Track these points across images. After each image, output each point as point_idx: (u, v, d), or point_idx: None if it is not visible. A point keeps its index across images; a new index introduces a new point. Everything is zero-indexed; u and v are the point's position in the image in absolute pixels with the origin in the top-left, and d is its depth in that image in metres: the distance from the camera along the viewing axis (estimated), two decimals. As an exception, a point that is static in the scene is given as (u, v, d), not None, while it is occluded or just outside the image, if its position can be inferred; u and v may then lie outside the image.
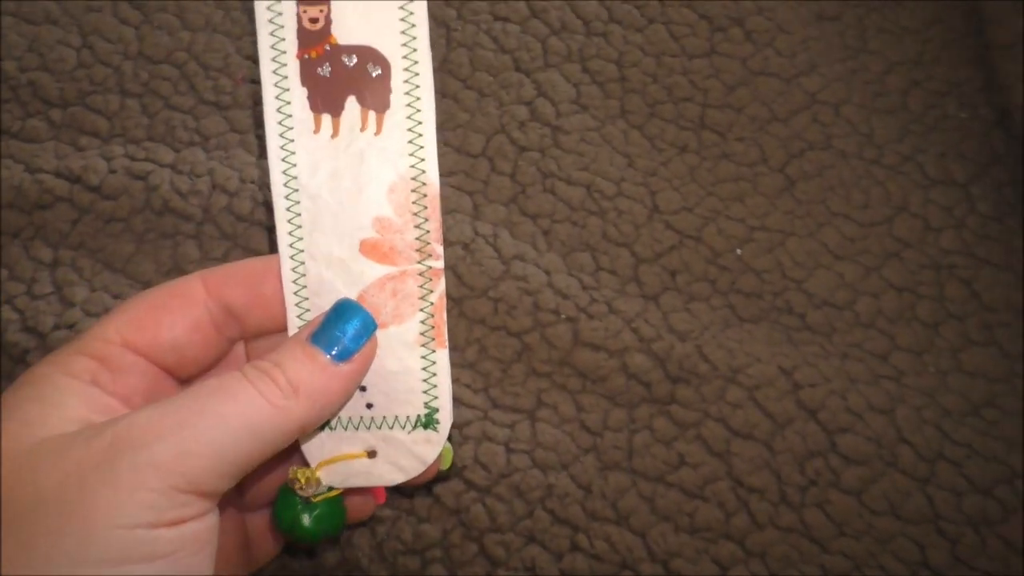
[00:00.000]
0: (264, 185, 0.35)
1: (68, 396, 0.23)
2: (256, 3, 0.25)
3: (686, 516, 0.32)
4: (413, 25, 0.25)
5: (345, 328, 0.24)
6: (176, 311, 0.25)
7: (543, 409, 0.33)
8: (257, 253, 0.34)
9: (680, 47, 0.39)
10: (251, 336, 0.27)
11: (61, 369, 0.24)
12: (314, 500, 0.26)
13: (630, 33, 0.39)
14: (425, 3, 0.25)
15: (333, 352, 0.24)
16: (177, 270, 0.34)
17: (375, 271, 0.25)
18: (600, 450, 0.33)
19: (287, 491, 0.26)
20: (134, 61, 0.37)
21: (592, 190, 0.36)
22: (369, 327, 0.25)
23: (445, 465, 0.27)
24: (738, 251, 0.36)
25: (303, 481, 0.26)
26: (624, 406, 0.34)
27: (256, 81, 0.37)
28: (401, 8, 0.25)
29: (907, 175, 0.38)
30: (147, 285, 0.34)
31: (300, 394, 0.23)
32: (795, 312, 0.36)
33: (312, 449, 0.26)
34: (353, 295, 0.26)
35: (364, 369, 0.25)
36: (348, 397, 0.25)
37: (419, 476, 0.27)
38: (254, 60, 0.37)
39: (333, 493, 0.26)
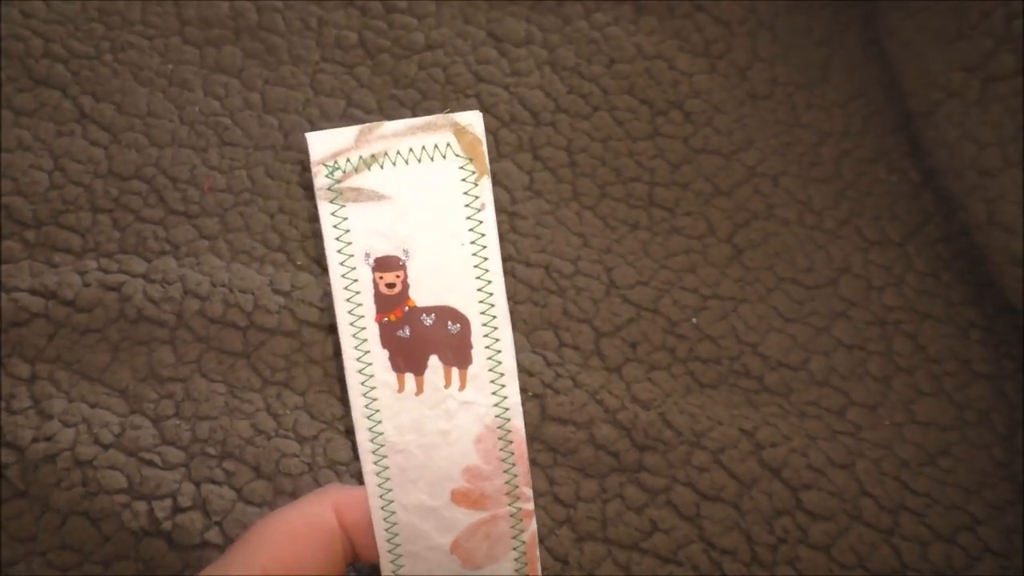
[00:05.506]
0: (236, 288, 0.36)
1: None
2: (332, 275, 0.26)
3: (662, 583, 0.33)
4: (489, 282, 0.26)
5: None
6: (315, 545, 0.25)
7: (516, 487, 0.34)
8: (231, 354, 0.35)
9: (625, 131, 0.41)
10: (364, 561, 0.27)
11: None
12: None
13: (577, 121, 0.41)
14: (500, 261, 0.25)
15: None
16: (153, 376, 0.35)
17: (468, 518, 0.26)
18: (574, 522, 0.34)
19: None
20: (104, 179, 0.38)
21: (550, 270, 0.38)
22: None
23: None
24: (694, 320, 0.38)
25: None
26: (595, 476, 0.35)
27: (225, 194, 0.39)
28: (476, 268, 0.26)
29: (846, 238, 0.40)
30: (124, 392, 0.35)
31: None
32: (752, 375, 0.37)
33: None
34: (448, 541, 0.26)
35: None
36: None
37: None
38: (220, 170, 0.39)
39: None
